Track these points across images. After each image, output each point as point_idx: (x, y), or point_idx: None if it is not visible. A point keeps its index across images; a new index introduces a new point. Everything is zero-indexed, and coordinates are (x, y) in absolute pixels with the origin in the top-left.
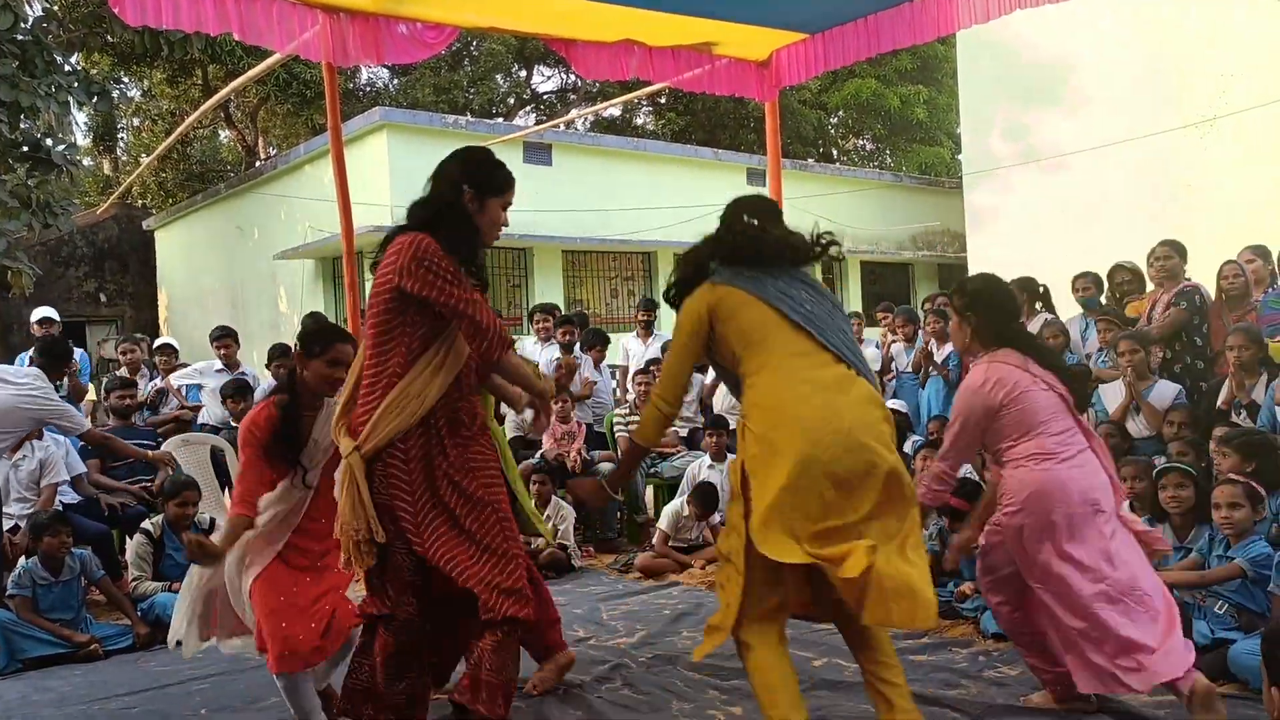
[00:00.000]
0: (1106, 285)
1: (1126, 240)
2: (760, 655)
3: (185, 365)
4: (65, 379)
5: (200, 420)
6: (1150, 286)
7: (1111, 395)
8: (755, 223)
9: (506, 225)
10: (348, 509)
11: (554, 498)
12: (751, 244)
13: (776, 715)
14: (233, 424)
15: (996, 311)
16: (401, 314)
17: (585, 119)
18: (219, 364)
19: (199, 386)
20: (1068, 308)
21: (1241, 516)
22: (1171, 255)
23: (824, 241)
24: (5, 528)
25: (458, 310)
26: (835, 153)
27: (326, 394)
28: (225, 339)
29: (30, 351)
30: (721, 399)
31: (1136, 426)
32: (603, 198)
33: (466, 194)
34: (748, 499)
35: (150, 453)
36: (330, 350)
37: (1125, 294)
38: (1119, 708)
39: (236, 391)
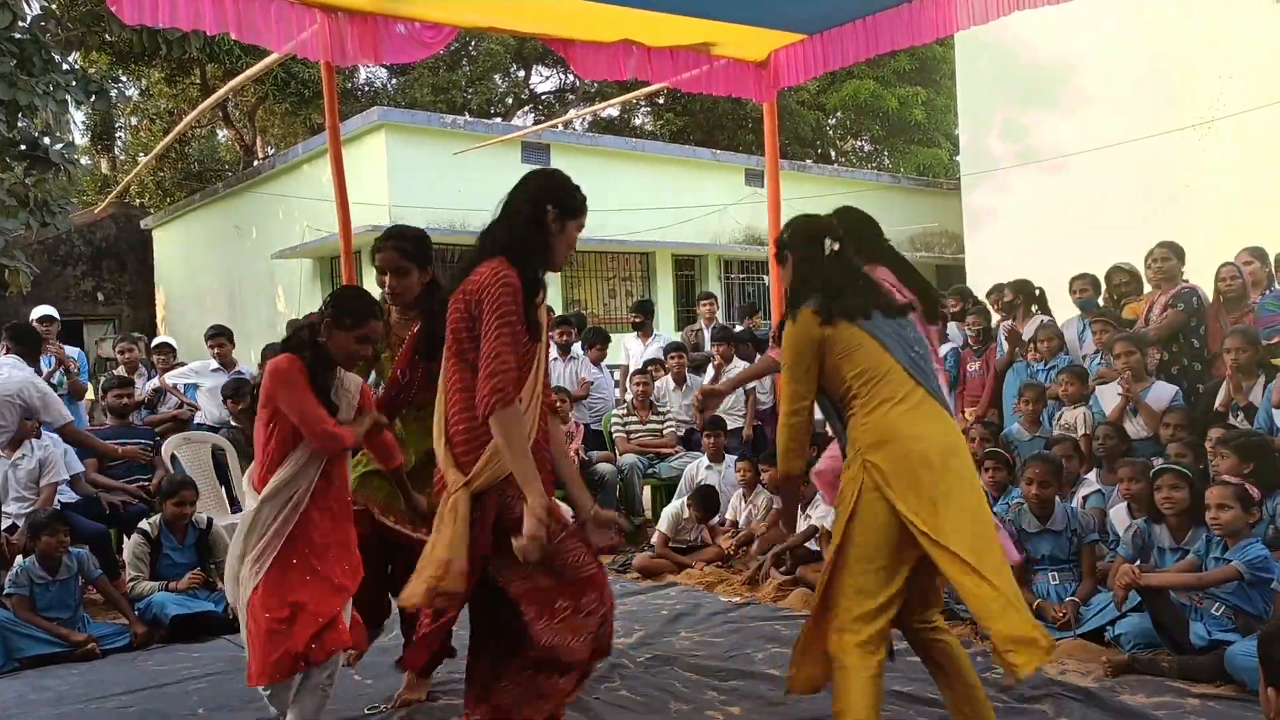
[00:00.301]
0: (1104, 287)
1: (1125, 242)
2: None
3: (183, 364)
4: (65, 374)
5: (197, 420)
6: (1148, 288)
7: (1109, 396)
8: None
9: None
10: (442, 544)
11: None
12: (860, 289)
13: None
14: (232, 423)
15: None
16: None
17: (583, 119)
18: (214, 363)
19: (195, 386)
20: (1065, 309)
21: (1229, 518)
22: (1169, 257)
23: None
24: (3, 527)
25: (489, 356)
26: (833, 154)
27: (345, 367)
28: (220, 338)
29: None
30: (729, 401)
31: (1134, 428)
32: (601, 198)
33: (550, 214)
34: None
35: (120, 449)
36: (364, 325)
37: (1123, 295)
38: (1118, 707)
39: (236, 391)
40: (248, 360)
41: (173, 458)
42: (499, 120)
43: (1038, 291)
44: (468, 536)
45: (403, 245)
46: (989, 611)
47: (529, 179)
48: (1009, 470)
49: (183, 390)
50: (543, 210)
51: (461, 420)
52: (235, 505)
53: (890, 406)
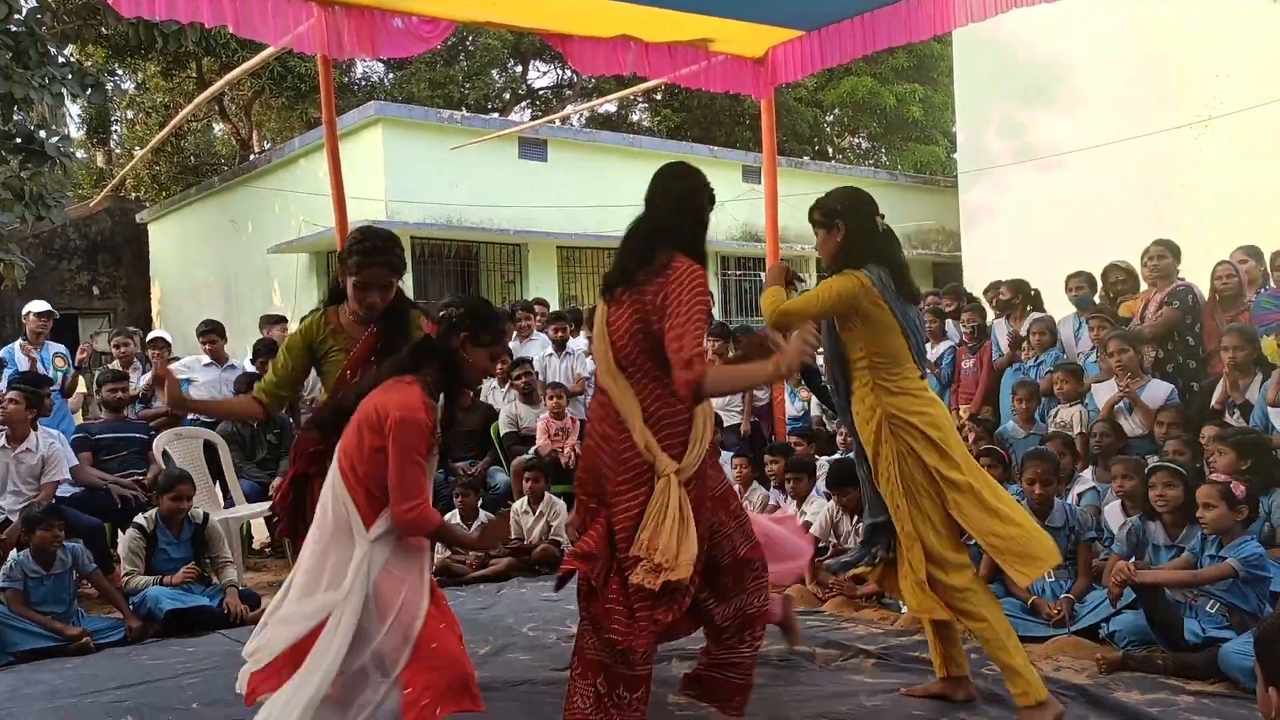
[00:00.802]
0: (1100, 284)
1: (1121, 239)
2: None
3: (177, 359)
4: (70, 370)
5: (190, 415)
6: (1144, 286)
7: (1105, 394)
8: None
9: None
10: (667, 533)
11: (547, 494)
12: (898, 268)
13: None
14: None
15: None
16: None
17: (581, 115)
18: (206, 358)
19: (188, 381)
20: (1062, 307)
21: (1213, 516)
22: (1165, 255)
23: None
24: None
25: (681, 345)
26: (831, 150)
27: (472, 386)
28: (211, 334)
29: (17, 342)
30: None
31: (1130, 425)
32: (598, 194)
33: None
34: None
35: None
36: (501, 343)
37: (1119, 293)
38: (1112, 704)
39: (249, 387)
40: (243, 355)
41: (164, 453)
42: (496, 115)
43: (1034, 292)
44: (693, 524)
45: (393, 261)
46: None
47: (680, 177)
48: (1004, 467)
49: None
50: (705, 208)
51: (663, 405)
52: (229, 500)
53: (912, 390)
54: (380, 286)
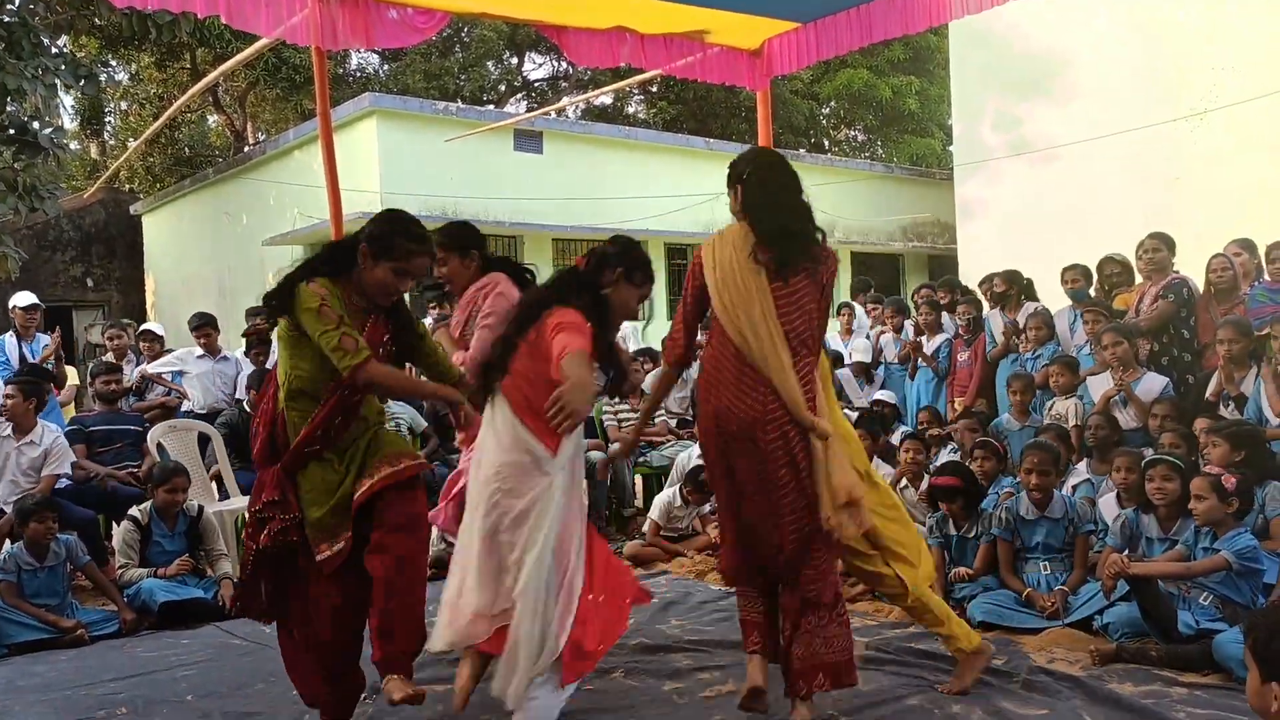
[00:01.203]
0: (1096, 277)
1: (1116, 232)
2: None
3: (171, 351)
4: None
5: (185, 407)
6: (1140, 279)
7: (1099, 387)
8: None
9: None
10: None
11: None
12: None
13: None
14: (247, 409)
15: None
16: None
17: (576, 107)
18: (200, 350)
19: (181, 373)
20: (1056, 299)
21: (1204, 508)
22: (1160, 248)
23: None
24: None
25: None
26: (827, 143)
27: (617, 326)
28: (204, 327)
29: (8, 334)
30: None
31: (1125, 418)
32: (593, 186)
33: None
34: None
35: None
36: (650, 285)
37: (1114, 286)
38: (1106, 695)
39: (261, 382)
40: (234, 348)
41: (159, 445)
42: (492, 107)
43: (1027, 281)
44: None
45: (434, 254)
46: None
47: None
48: (998, 460)
49: (170, 378)
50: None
51: (808, 369)
52: (224, 493)
53: None
54: (416, 277)
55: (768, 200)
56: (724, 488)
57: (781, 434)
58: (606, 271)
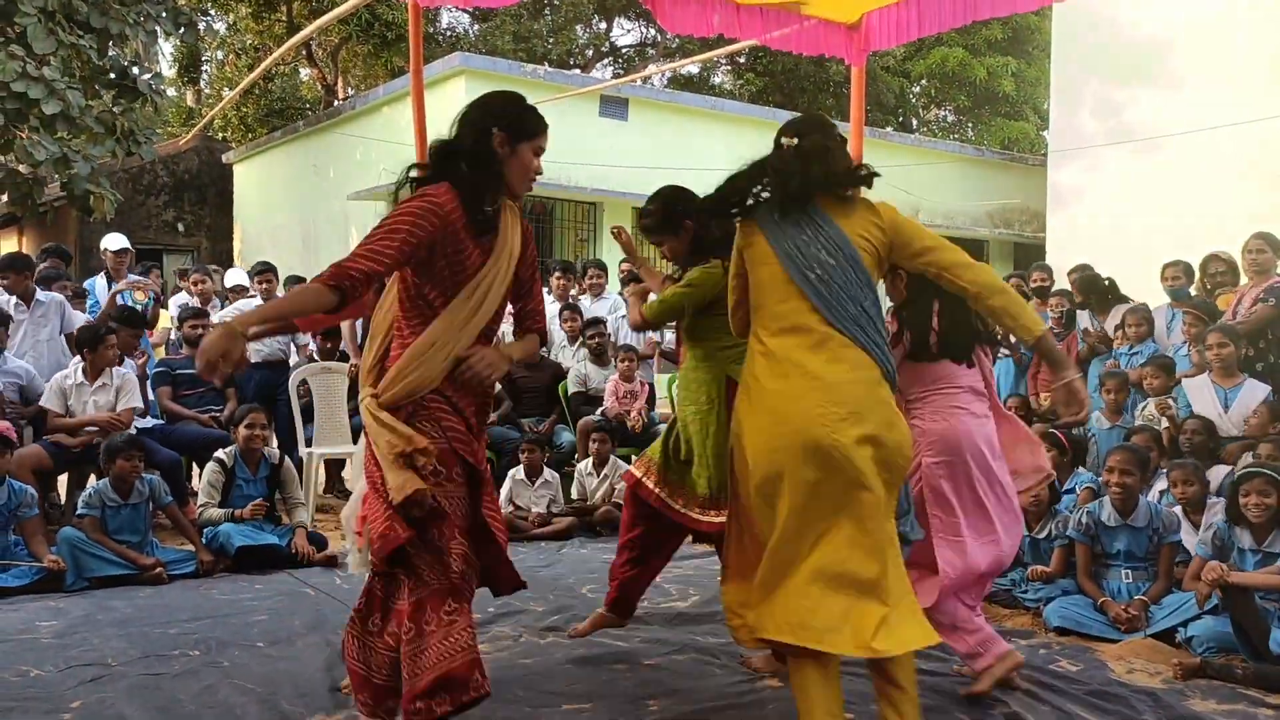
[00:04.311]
0: (1199, 275)
1: (1217, 230)
2: None
3: (254, 296)
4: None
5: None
6: (1244, 280)
7: (1195, 389)
8: (795, 149)
9: (540, 173)
10: None
11: (612, 457)
12: (781, 179)
13: None
14: (316, 357)
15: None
16: None
17: (662, 75)
18: (260, 300)
19: None
20: (1144, 295)
21: None
22: (1265, 249)
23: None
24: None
25: None
26: (915, 123)
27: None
28: (265, 273)
29: (99, 276)
30: None
31: (1225, 424)
32: (677, 155)
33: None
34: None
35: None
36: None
37: (1218, 286)
38: (1185, 712)
39: (327, 330)
40: None
41: (303, 383)
42: (578, 72)
43: (1108, 282)
44: None
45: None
46: None
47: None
48: (1060, 452)
49: None
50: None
51: None
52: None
53: None
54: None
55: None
56: None
57: None
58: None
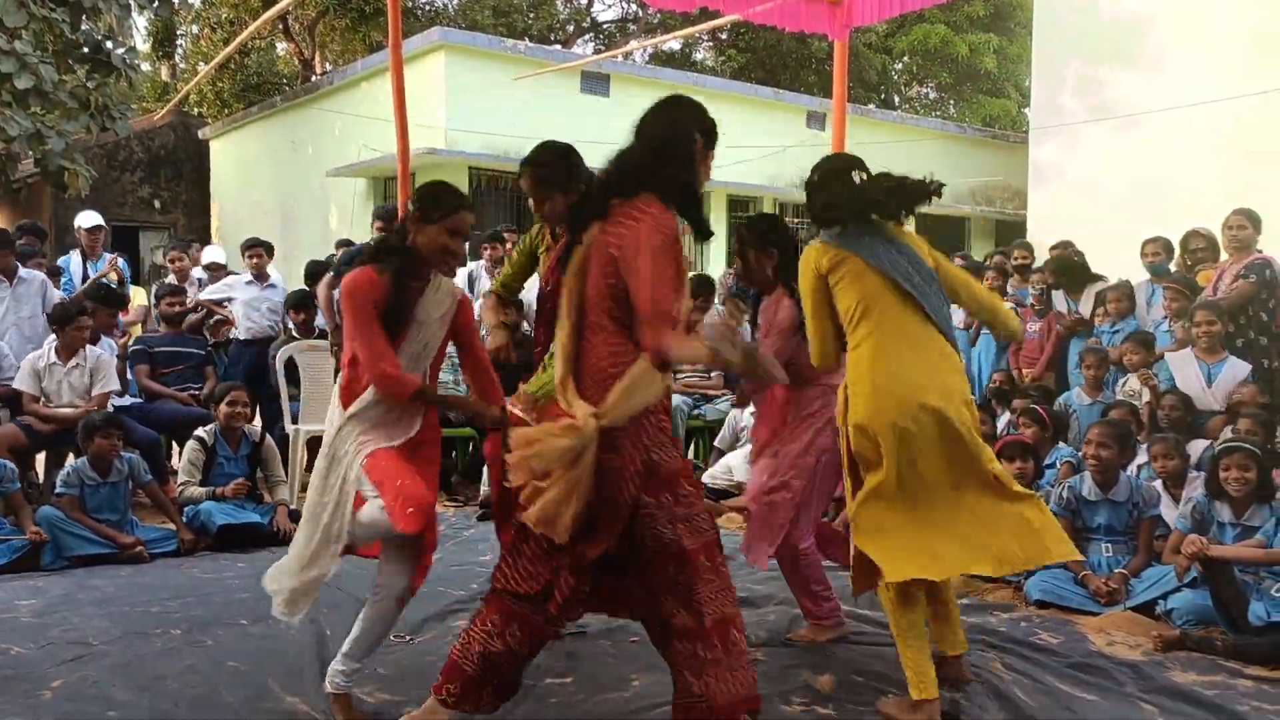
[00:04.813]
0: (1179, 252)
1: (1197, 207)
2: None
3: (235, 274)
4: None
5: (233, 334)
6: (1224, 256)
7: (1176, 364)
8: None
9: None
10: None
11: None
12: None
13: None
14: (295, 335)
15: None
16: None
17: (644, 51)
18: (248, 275)
19: (229, 299)
20: (1123, 270)
21: None
22: (1245, 225)
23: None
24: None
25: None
26: (897, 100)
27: (438, 267)
28: (258, 248)
29: (74, 253)
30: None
31: (1208, 400)
32: None
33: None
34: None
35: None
36: (452, 217)
37: (1198, 262)
38: (1166, 683)
39: (299, 303)
40: (296, 278)
41: (290, 361)
42: (559, 47)
43: (1080, 260)
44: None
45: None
46: None
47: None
48: (1041, 427)
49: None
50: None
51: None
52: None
53: None
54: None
55: None
56: None
57: None
58: (411, 222)
